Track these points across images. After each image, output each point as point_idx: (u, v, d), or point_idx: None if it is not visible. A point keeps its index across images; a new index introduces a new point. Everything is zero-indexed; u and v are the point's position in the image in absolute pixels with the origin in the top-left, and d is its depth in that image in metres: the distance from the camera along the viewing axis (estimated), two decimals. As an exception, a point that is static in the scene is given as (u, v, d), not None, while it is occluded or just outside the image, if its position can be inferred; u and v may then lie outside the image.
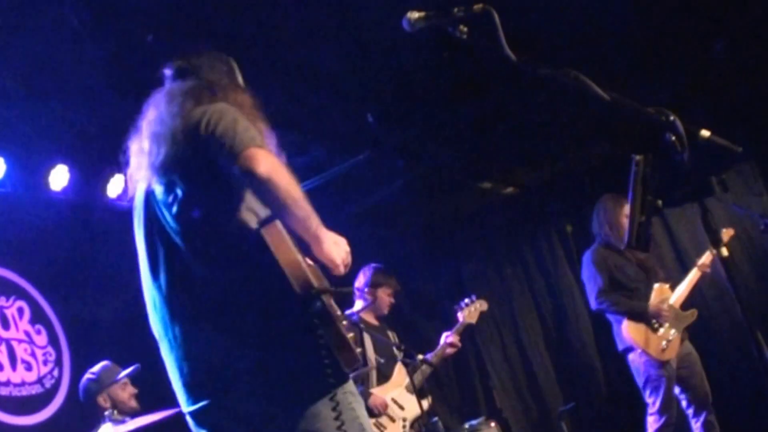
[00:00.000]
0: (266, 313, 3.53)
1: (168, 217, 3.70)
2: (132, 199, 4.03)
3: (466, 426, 9.55)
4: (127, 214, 8.01)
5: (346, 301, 8.32)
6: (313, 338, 3.48)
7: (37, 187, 7.95)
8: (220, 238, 3.62)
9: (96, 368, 7.21)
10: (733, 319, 10.22)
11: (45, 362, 8.47)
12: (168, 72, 4.13)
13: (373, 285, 8.50)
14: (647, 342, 8.18)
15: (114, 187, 8.42)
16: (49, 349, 8.61)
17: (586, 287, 8.67)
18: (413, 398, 8.04)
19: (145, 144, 3.78)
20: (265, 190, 3.49)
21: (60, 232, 8.53)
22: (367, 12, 7.06)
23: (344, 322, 3.70)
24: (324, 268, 3.74)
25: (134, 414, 6.86)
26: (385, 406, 7.94)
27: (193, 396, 3.67)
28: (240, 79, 4.15)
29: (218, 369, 3.56)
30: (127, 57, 6.96)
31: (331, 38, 7.59)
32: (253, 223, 3.61)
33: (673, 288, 8.61)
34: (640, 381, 8.32)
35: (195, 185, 3.66)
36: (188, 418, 3.77)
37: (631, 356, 8.33)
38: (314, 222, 3.60)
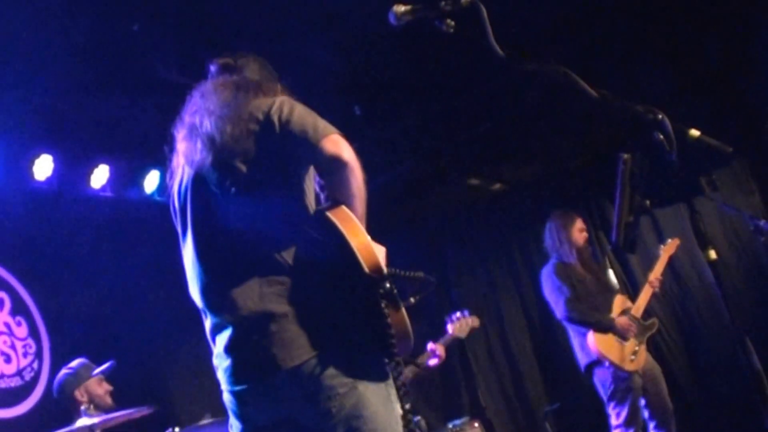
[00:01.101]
0: (334, 292, 3.59)
1: (223, 200, 3.77)
2: (174, 187, 4.06)
3: (450, 426, 9.52)
4: (110, 205, 8.04)
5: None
6: (380, 320, 3.55)
7: (21, 176, 7.86)
8: (283, 219, 3.70)
9: (73, 363, 7.20)
10: (722, 324, 10.19)
11: (25, 354, 8.42)
12: (213, 68, 4.22)
13: None
14: (615, 353, 8.21)
15: (97, 178, 8.34)
16: (30, 341, 8.56)
17: (549, 300, 8.66)
18: None
19: (207, 124, 3.85)
20: (344, 175, 3.63)
21: (43, 223, 8.47)
22: (355, 4, 7.02)
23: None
24: None
25: (108, 410, 6.81)
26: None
27: (243, 375, 3.69)
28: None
29: (278, 348, 3.57)
30: (114, 47, 6.92)
31: (319, 30, 7.56)
32: (311, 210, 3.76)
33: (632, 299, 8.64)
34: (605, 394, 8.33)
35: (258, 168, 3.73)
36: (228, 396, 3.79)
37: (596, 370, 8.35)
38: (363, 222, 3.69)
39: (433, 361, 8.31)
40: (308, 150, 3.65)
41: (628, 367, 8.15)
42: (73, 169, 8.21)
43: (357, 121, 9.10)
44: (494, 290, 11.97)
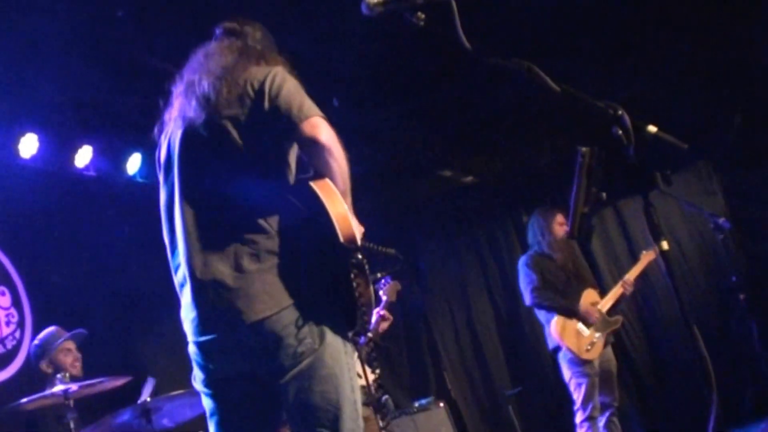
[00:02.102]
0: (306, 257, 3.64)
1: (210, 156, 3.78)
2: (164, 139, 4.05)
3: (416, 405, 9.57)
4: (93, 184, 8.00)
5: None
6: (348, 289, 3.61)
7: (7, 154, 7.84)
8: (266, 184, 3.73)
9: (41, 334, 7.23)
10: (676, 310, 10.24)
11: (8, 323, 8.40)
12: (218, 31, 4.21)
13: None
14: (573, 341, 8.36)
15: (81, 157, 8.32)
16: (12, 310, 8.54)
17: (521, 288, 8.78)
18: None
19: (205, 83, 3.85)
20: (323, 157, 3.66)
21: (28, 199, 8.42)
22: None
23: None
24: None
25: (79, 379, 6.79)
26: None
27: (210, 326, 3.69)
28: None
29: (246, 301, 3.59)
30: (99, 31, 6.88)
31: (299, 22, 7.53)
32: (292, 179, 3.80)
33: (602, 295, 8.68)
34: (566, 377, 8.49)
35: (245, 133, 3.74)
36: (193, 348, 3.80)
37: (559, 354, 8.50)
38: (348, 199, 3.72)
39: (385, 325, 8.30)
40: (290, 128, 3.68)
41: (584, 356, 8.29)
42: (58, 148, 8.18)
43: (335, 112, 9.07)
44: (463, 279, 12.00)
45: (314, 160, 3.72)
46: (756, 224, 10.52)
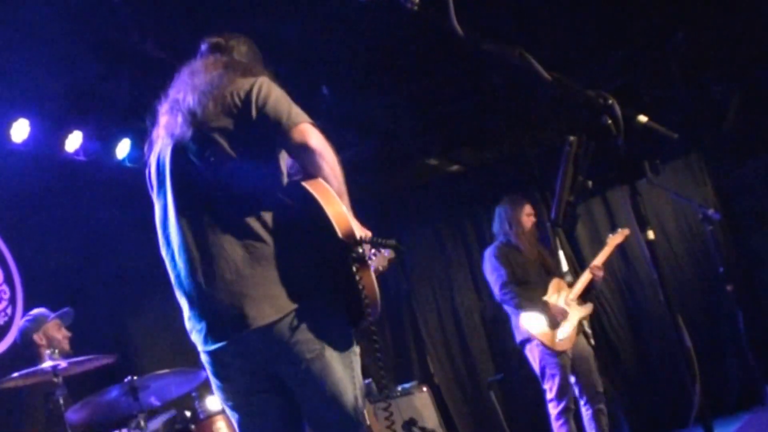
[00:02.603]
0: (307, 258, 3.68)
1: (203, 169, 3.79)
2: (154, 157, 4.05)
3: (399, 389, 9.55)
4: (84, 169, 8.01)
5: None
6: (352, 284, 3.62)
7: (-1, 138, 7.88)
8: (260, 188, 3.75)
9: (32, 312, 7.28)
10: (661, 300, 10.29)
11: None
12: (203, 46, 4.23)
13: None
14: (544, 334, 8.27)
15: (71, 142, 8.35)
16: (4, 287, 8.58)
17: (488, 280, 8.71)
18: None
19: (189, 99, 3.87)
20: (314, 162, 3.70)
21: (20, 182, 8.41)
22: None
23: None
24: None
25: (68, 356, 6.78)
26: None
27: (218, 334, 3.70)
28: None
29: (252, 305, 3.62)
30: (91, 16, 6.85)
31: (291, 9, 7.50)
32: (285, 181, 3.83)
33: (571, 284, 8.64)
34: (537, 369, 8.41)
35: (235, 142, 3.76)
36: (205, 357, 3.83)
37: (527, 347, 8.42)
38: (345, 199, 3.78)
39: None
40: (280, 135, 3.72)
41: (556, 347, 8.23)
42: (49, 133, 8.20)
43: (324, 99, 9.07)
44: (447, 266, 11.97)
45: (306, 165, 3.75)
46: (745, 217, 10.56)
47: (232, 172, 3.73)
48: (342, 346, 3.73)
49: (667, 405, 10.05)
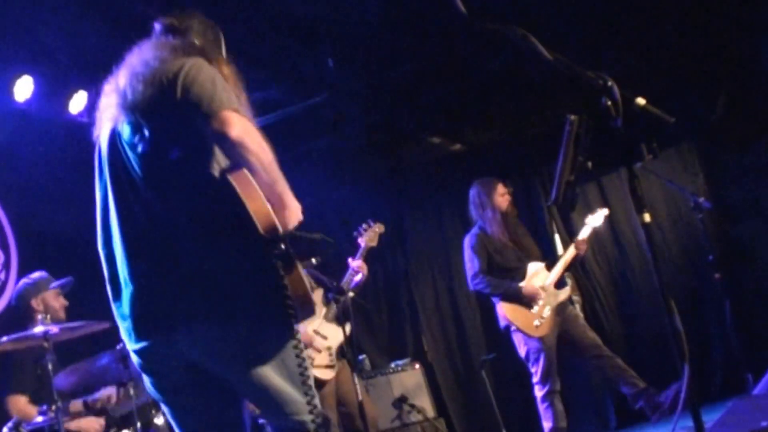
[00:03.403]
0: (229, 253, 3.48)
1: (132, 157, 3.61)
2: (97, 139, 3.86)
3: (392, 365, 9.61)
4: (86, 130, 7.96)
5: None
6: (275, 280, 3.45)
7: (2, 97, 7.77)
8: (184, 180, 3.56)
9: (34, 275, 7.26)
10: (652, 285, 10.35)
11: (-6, 264, 8.39)
12: (157, 27, 4.01)
13: None
14: (521, 320, 8.34)
15: (76, 103, 8.22)
16: (-1, 252, 8.51)
17: (465, 269, 8.73)
18: (333, 326, 8.07)
19: (122, 81, 3.67)
20: (236, 153, 3.45)
21: (21, 143, 8.36)
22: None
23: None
24: None
25: (58, 323, 6.74)
26: (310, 339, 7.86)
27: (144, 332, 3.58)
28: (224, 51, 4.05)
29: (178, 305, 3.48)
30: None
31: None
32: (219, 169, 3.57)
33: (549, 267, 8.65)
34: (522, 354, 8.47)
35: (163, 129, 3.57)
36: (134, 356, 3.69)
37: (511, 332, 8.50)
38: (280, 186, 3.58)
39: (357, 277, 8.23)
40: (201, 122, 3.47)
41: (534, 333, 8.26)
42: (53, 93, 8.09)
43: (329, 73, 9.05)
44: (445, 244, 11.92)
45: (230, 157, 3.54)
46: (736, 207, 10.55)
47: (160, 162, 3.57)
48: (273, 349, 3.57)
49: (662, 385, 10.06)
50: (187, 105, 3.47)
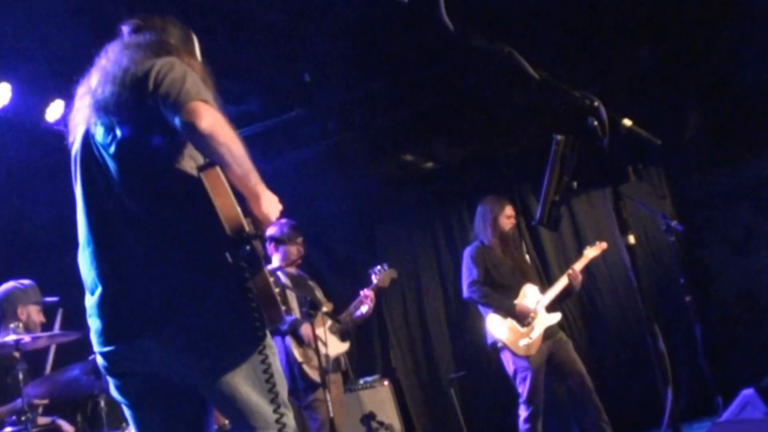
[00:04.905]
0: (195, 256, 3.41)
1: (106, 158, 3.56)
2: (72, 143, 3.80)
3: (361, 382, 9.57)
4: (63, 138, 7.92)
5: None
6: (240, 283, 3.37)
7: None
8: (156, 180, 3.50)
9: (24, 281, 7.17)
10: (632, 308, 10.43)
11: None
12: (126, 28, 3.93)
13: (289, 239, 8.31)
14: (509, 338, 8.25)
15: (53, 112, 8.19)
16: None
17: (461, 279, 8.69)
18: (334, 338, 8.18)
19: (93, 81, 3.63)
20: (205, 144, 3.36)
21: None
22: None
23: (272, 278, 3.52)
24: (254, 223, 3.56)
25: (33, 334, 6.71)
26: (313, 338, 7.77)
27: (110, 336, 3.51)
28: (197, 51, 3.99)
29: (145, 308, 3.42)
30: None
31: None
32: (192, 168, 3.49)
33: (543, 290, 8.58)
34: (509, 372, 8.38)
35: (135, 128, 3.50)
36: (100, 358, 3.62)
37: (499, 348, 8.38)
38: (253, 178, 3.50)
39: (364, 309, 8.29)
40: (170, 114, 3.38)
41: (519, 352, 8.19)
42: (31, 100, 8.03)
43: (306, 87, 9.04)
44: (415, 261, 11.93)
45: (200, 149, 3.48)
46: (703, 230, 10.62)
47: (132, 162, 3.51)
48: (239, 356, 3.49)
49: (633, 409, 10.05)
50: (157, 100, 3.40)
